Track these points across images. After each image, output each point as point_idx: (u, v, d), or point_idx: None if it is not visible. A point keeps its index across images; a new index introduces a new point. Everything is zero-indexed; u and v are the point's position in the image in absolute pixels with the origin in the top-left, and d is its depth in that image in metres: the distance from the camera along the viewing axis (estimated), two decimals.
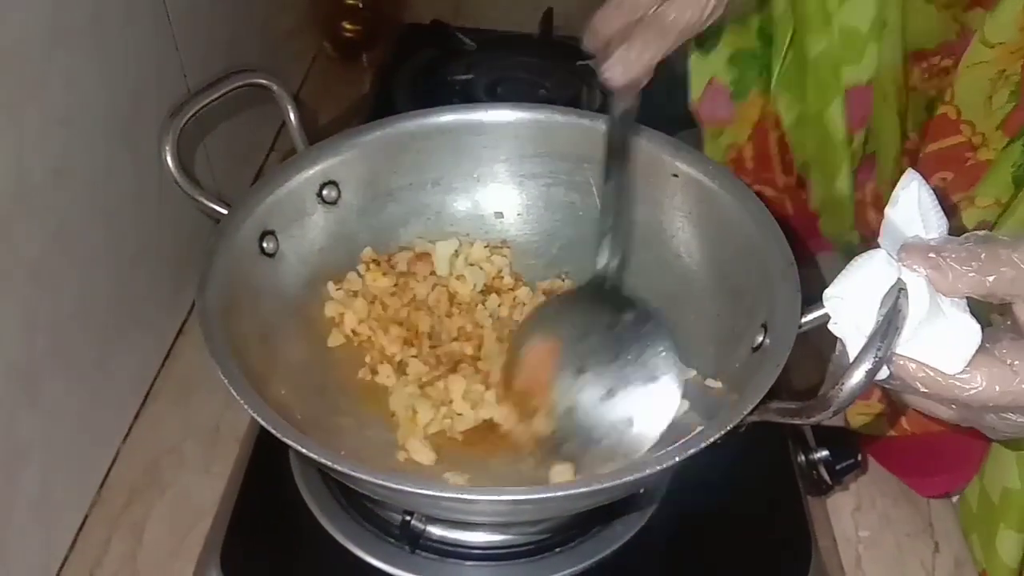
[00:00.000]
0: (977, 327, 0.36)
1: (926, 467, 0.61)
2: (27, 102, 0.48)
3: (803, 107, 0.68)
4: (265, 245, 0.53)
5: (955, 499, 0.62)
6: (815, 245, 0.80)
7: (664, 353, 0.51)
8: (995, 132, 0.54)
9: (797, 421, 0.41)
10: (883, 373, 0.37)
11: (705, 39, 0.69)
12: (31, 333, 0.50)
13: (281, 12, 0.89)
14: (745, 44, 0.69)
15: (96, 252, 0.57)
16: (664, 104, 0.84)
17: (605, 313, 0.53)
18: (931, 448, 0.59)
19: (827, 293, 0.39)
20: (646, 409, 0.50)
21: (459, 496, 0.40)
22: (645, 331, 0.52)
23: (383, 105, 0.85)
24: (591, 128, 0.59)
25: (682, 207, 0.58)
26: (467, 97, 0.84)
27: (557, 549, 0.52)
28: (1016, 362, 0.36)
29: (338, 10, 0.99)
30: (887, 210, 0.39)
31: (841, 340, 0.39)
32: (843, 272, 0.39)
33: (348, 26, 1.00)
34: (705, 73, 0.70)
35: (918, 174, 0.40)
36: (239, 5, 0.77)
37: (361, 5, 0.99)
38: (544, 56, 0.91)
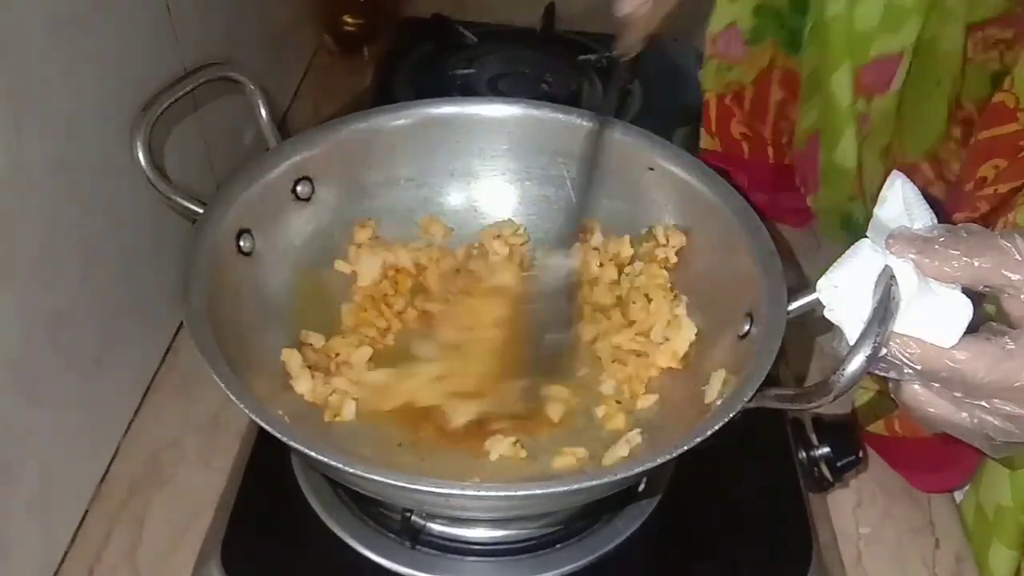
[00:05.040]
0: (967, 300, 0.38)
1: (918, 464, 0.61)
2: (26, 94, 0.48)
3: (813, 69, 0.68)
4: (242, 244, 0.53)
5: (958, 497, 0.62)
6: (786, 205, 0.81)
7: None
8: None
9: (797, 407, 0.41)
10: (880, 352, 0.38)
11: None
12: (31, 327, 0.50)
13: (282, 5, 0.89)
14: (774, 1, 0.71)
15: (96, 245, 0.56)
16: (660, 102, 0.85)
17: None
18: (923, 447, 0.59)
19: (820, 283, 0.41)
20: None
21: (463, 493, 0.40)
22: None
23: (384, 99, 0.84)
24: (566, 122, 0.59)
25: (658, 199, 0.58)
26: (468, 91, 0.84)
27: (558, 545, 0.52)
28: (1006, 340, 0.37)
29: (339, 3, 0.99)
30: (875, 210, 0.41)
31: (838, 327, 0.40)
32: (835, 263, 0.40)
33: (349, 19, 1.00)
34: (727, 16, 0.72)
35: (902, 174, 0.41)
36: None
37: None
38: (546, 51, 0.91)
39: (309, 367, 0.53)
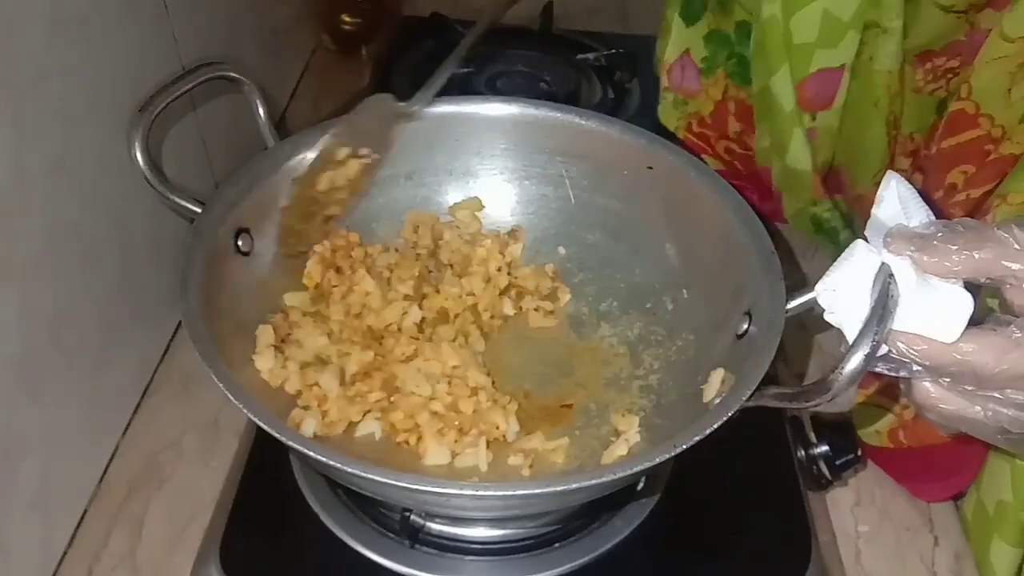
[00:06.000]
0: (968, 295, 0.37)
1: (924, 474, 0.61)
2: (25, 94, 0.48)
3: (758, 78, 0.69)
4: (240, 243, 0.53)
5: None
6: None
7: None
8: (1019, 125, 0.54)
9: (795, 405, 0.41)
10: (881, 350, 0.38)
11: (691, 10, 0.72)
12: (30, 327, 0.50)
13: (280, 4, 0.89)
14: (723, 26, 0.71)
15: (95, 245, 0.56)
16: (659, 100, 0.85)
17: None
18: (929, 456, 0.59)
19: (818, 287, 0.41)
20: None
21: (463, 492, 0.40)
22: None
23: None
24: (564, 121, 0.60)
25: (657, 198, 0.58)
26: (467, 90, 0.84)
27: (556, 544, 0.52)
28: (1013, 330, 0.37)
29: (337, 3, 0.99)
30: (872, 210, 0.41)
31: (839, 329, 0.40)
32: (832, 266, 0.40)
33: (347, 19, 1.00)
34: (682, 43, 0.73)
35: (896, 174, 0.41)
36: None
37: None
38: (544, 50, 0.91)
39: (275, 346, 0.52)
